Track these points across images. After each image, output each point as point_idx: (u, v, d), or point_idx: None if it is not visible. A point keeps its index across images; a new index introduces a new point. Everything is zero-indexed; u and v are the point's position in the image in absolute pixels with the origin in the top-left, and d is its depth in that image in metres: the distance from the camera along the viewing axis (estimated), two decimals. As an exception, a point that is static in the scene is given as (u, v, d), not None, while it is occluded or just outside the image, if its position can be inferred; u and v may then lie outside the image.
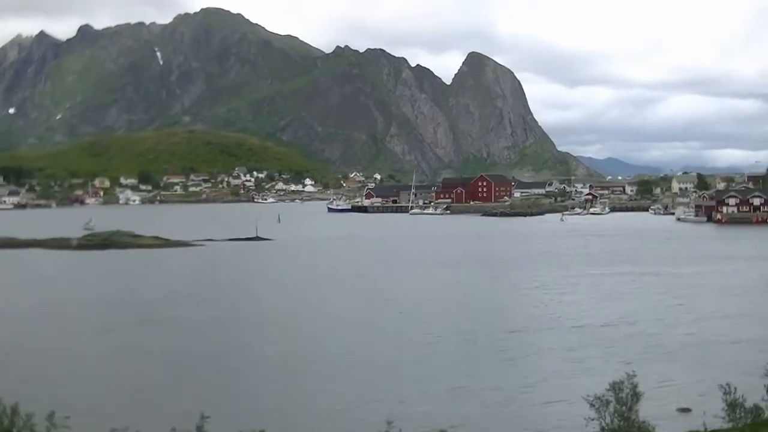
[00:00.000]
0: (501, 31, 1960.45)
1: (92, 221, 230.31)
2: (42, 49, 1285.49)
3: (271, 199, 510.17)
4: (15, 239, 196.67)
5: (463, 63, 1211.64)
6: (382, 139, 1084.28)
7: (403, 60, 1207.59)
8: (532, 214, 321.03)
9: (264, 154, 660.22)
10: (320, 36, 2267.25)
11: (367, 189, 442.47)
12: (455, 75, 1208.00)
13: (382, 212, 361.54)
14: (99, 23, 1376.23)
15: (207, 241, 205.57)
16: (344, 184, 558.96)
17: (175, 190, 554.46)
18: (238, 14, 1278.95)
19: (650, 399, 30.61)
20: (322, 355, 74.75)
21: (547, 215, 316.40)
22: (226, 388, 61.57)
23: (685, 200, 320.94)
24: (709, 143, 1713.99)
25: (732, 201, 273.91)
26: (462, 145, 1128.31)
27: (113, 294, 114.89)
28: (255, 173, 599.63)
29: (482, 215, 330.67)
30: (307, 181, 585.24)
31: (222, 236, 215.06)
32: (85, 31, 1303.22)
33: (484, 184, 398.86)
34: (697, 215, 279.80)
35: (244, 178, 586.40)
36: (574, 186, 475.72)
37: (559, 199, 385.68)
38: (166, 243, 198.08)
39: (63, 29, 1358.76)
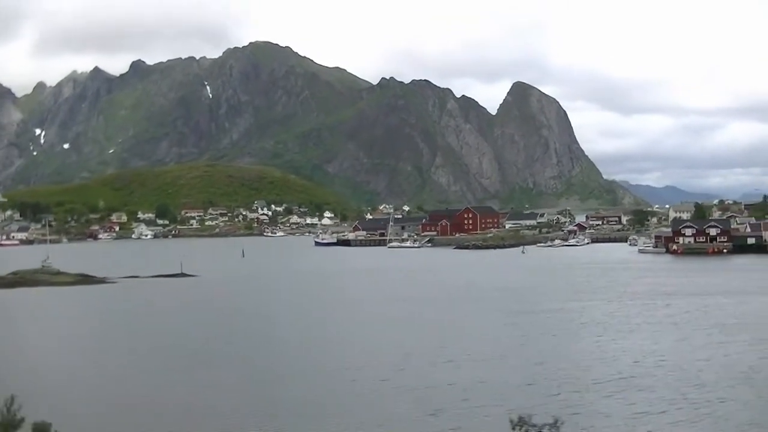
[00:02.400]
0: (553, 61, 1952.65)
1: (49, 258, 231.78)
2: (96, 85, 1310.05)
3: (280, 233, 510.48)
4: None
5: (508, 93, 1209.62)
6: (427, 170, 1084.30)
7: (448, 90, 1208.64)
8: (504, 247, 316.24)
9: (285, 186, 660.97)
10: (369, 67, 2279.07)
11: (356, 223, 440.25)
12: (500, 105, 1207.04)
13: (365, 245, 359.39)
14: (152, 58, 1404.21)
15: (130, 278, 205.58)
16: (370, 216, 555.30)
17: (191, 224, 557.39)
18: (287, 47, 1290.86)
19: None
20: None
21: (523, 247, 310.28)
22: None
23: (666, 230, 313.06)
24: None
25: (688, 231, 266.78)
26: (507, 175, 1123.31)
27: None
28: (273, 206, 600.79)
29: (455, 248, 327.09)
30: (327, 214, 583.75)
31: (153, 272, 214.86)
32: (137, 66, 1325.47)
33: (470, 216, 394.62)
34: (656, 246, 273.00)
35: (261, 212, 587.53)
36: (569, 216, 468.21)
37: (544, 230, 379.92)
38: (83, 280, 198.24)
39: (117, 65, 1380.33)
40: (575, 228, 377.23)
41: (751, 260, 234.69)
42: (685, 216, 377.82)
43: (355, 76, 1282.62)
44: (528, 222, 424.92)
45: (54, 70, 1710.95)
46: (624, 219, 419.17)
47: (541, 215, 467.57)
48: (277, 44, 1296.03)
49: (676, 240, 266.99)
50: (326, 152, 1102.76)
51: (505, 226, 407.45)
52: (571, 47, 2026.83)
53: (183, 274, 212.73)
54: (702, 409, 65.88)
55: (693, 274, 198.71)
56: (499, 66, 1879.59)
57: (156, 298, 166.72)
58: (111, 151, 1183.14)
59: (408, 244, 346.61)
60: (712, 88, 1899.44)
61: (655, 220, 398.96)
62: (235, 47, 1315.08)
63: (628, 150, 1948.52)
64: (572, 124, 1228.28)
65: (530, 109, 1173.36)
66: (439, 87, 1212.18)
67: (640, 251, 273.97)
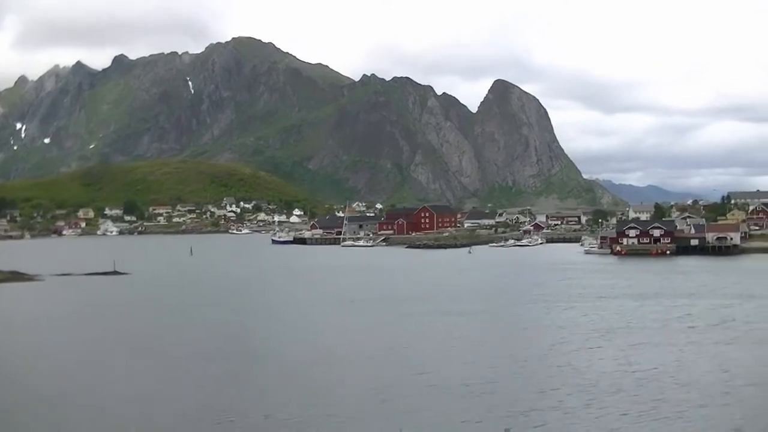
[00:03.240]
0: (536, 59, 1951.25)
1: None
2: (78, 79, 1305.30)
3: (245, 230, 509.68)
4: None
5: (489, 91, 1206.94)
6: (407, 168, 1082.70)
7: (429, 88, 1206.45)
8: (455, 246, 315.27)
9: (255, 183, 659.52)
10: (353, 63, 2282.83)
11: (313, 221, 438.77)
12: (481, 103, 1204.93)
13: (321, 244, 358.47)
14: (134, 53, 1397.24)
15: (62, 275, 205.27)
16: (341, 213, 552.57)
17: (159, 221, 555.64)
18: (270, 43, 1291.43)
19: None
20: None
21: (470, 247, 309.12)
22: None
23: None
24: (752, 169, 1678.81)
25: (632, 233, 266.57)
26: (487, 174, 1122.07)
27: None
28: (242, 203, 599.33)
29: (406, 247, 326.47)
30: (296, 212, 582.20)
31: (87, 270, 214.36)
32: (120, 60, 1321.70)
33: (427, 215, 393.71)
34: (601, 247, 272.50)
35: (229, 209, 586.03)
36: (529, 216, 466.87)
37: (500, 230, 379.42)
38: (12, 278, 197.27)
39: (100, 59, 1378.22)
40: (531, 228, 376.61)
41: (689, 262, 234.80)
42: (644, 216, 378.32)
43: (338, 72, 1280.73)
44: (487, 221, 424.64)
45: (36, 64, 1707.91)
46: (583, 219, 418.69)
47: (500, 215, 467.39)
48: (260, 40, 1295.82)
49: (620, 241, 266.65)
50: (307, 149, 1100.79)
51: (464, 225, 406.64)
52: (555, 45, 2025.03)
53: (115, 272, 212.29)
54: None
55: (618, 274, 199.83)
56: (482, 64, 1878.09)
57: (75, 296, 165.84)
58: (92, 146, 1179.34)
59: (362, 243, 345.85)
60: (693, 88, 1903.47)
61: (614, 220, 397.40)
62: (217, 42, 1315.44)
63: (611, 149, 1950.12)
64: (555, 123, 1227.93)
65: (511, 108, 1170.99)
66: (420, 84, 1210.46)
67: (586, 252, 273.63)
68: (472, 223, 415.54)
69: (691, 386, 75.62)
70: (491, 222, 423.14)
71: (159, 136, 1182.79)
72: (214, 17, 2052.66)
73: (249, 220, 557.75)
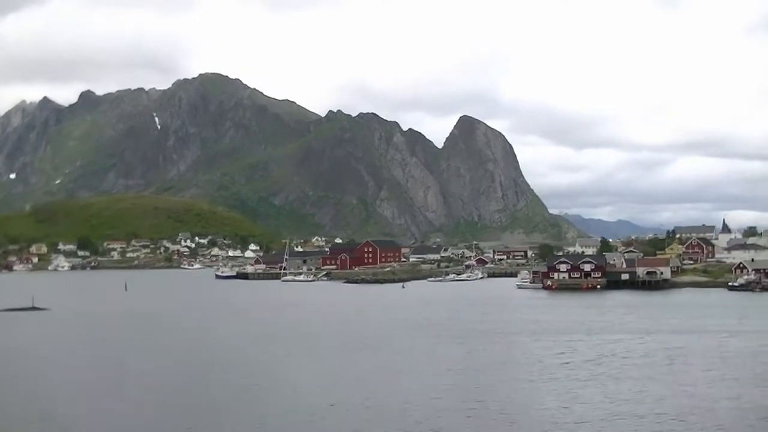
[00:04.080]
0: (505, 95, 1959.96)
1: None
2: (45, 115, 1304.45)
3: (197, 265, 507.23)
4: None
5: (455, 126, 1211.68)
6: (372, 203, 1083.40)
7: (395, 124, 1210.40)
8: (393, 281, 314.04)
9: (212, 219, 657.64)
10: (321, 99, 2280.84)
11: (257, 256, 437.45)
12: (446, 139, 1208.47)
13: (263, 279, 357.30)
14: (101, 89, 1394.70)
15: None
16: (299, 248, 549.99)
17: (112, 256, 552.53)
18: (237, 79, 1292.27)
19: None
20: None
21: (404, 283, 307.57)
22: None
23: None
24: (720, 204, 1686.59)
25: (563, 267, 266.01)
26: (453, 209, 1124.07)
27: None
28: (197, 239, 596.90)
29: (345, 282, 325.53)
30: (252, 246, 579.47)
31: (7, 306, 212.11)
32: (86, 96, 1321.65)
33: (370, 250, 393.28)
34: (533, 281, 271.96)
35: (184, 244, 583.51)
36: (476, 250, 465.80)
37: (443, 264, 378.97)
38: None
39: (66, 95, 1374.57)
40: (474, 263, 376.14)
41: (616, 296, 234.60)
42: (589, 251, 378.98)
43: (305, 108, 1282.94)
44: (432, 256, 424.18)
45: (2, 99, 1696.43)
46: (530, 254, 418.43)
47: (445, 249, 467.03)
48: (226, 76, 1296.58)
49: (550, 275, 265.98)
50: (273, 185, 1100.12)
51: (409, 260, 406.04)
52: (523, 82, 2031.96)
53: (33, 308, 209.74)
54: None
55: (537, 309, 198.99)
56: (450, 100, 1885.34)
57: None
58: (58, 182, 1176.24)
59: (302, 278, 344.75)
60: (659, 124, 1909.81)
61: (560, 254, 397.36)
62: (184, 78, 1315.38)
63: (581, 184, 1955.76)
64: (525, 159, 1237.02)
65: (476, 143, 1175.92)
66: (386, 120, 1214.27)
67: (518, 287, 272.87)
68: (418, 258, 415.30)
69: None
70: (436, 257, 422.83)
71: (125, 171, 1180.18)
72: (181, 53, 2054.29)
73: (203, 256, 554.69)
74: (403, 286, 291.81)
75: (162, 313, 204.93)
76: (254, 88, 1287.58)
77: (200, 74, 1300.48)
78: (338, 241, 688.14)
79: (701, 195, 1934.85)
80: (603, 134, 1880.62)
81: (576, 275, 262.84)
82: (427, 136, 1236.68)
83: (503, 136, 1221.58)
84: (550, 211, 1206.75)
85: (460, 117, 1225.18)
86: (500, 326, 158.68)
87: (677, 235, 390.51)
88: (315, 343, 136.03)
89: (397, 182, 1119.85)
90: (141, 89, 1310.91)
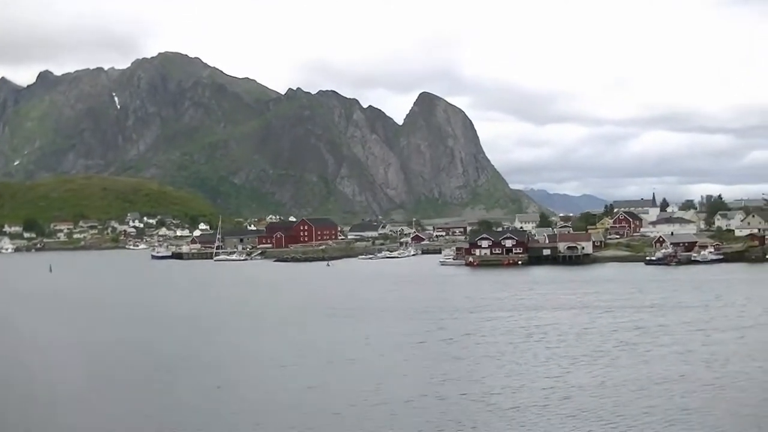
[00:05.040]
0: (466, 71, 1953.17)
1: None
2: (2, 96, 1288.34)
3: (142, 246, 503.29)
4: None
5: (414, 103, 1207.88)
6: (332, 181, 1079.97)
7: (355, 101, 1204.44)
8: (323, 259, 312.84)
9: (161, 199, 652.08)
10: (282, 78, 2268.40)
11: (193, 236, 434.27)
12: (407, 115, 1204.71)
13: (196, 259, 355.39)
14: (60, 69, 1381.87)
15: None
16: (253, 227, 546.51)
17: (59, 238, 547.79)
18: (196, 58, 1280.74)
19: None
20: None
21: (329, 261, 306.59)
22: None
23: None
24: (684, 178, 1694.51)
25: (485, 243, 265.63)
26: (414, 186, 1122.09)
27: None
28: (146, 219, 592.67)
29: (275, 261, 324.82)
30: (201, 226, 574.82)
31: None
32: (45, 77, 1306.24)
33: (306, 228, 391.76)
34: (456, 258, 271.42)
35: (132, 225, 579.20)
36: (416, 227, 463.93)
37: (378, 242, 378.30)
38: None
39: (24, 75, 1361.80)
40: (409, 240, 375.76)
41: (536, 272, 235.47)
42: (528, 226, 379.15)
43: (265, 86, 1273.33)
44: (370, 233, 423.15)
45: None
46: (469, 230, 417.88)
47: (383, 227, 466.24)
48: (186, 55, 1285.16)
49: (472, 252, 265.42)
50: (233, 163, 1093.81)
51: (347, 237, 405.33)
52: (485, 58, 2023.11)
53: None
54: None
55: (448, 285, 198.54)
56: (412, 77, 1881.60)
57: None
58: (17, 163, 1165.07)
59: (234, 257, 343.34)
60: (621, 99, 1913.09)
61: (499, 230, 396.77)
62: (143, 58, 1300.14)
63: (545, 159, 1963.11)
64: (489, 135, 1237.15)
65: (436, 120, 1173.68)
66: (345, 98, 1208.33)
67: (441, 263, 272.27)
68: (356, 236, 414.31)
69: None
70: (374, 234, 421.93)
71: (85, 152, 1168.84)
72: (140, 32, 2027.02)
73: (150, 236, 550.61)
74: (328, 264, 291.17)
75: (64, 292, 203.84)
76: (214, 67, 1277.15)
77: (159, 53, 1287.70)
78: (292, 218, 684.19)
79: (666, 169, 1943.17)
80: (565, 109, 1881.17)
81: (497, 251, 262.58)
82: (387, 114, 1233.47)
83: (463, 112, 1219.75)
84: (516, 186, 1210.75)
85: (420, 93, 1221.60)
86: (391, 304, 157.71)
87: (614, 210, 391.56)
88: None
89: (357, 159, 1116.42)
90: (100, 69, 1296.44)
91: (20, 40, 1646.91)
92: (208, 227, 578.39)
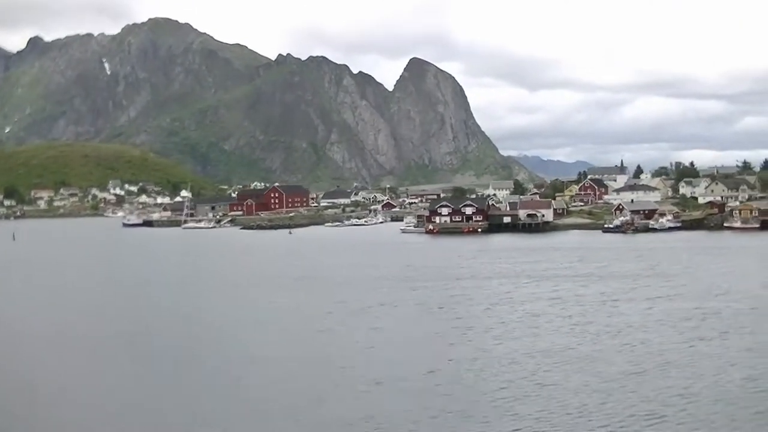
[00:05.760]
0: (459, 37, 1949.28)
1: None
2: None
3: (120, 213, 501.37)
4: None
5: (405, 69, 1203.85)
6: (322, 147, 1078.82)
7: (345, 67, 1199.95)
8: (289, 227, 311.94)
9: (143, 166, 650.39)
10: (273, 44, 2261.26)
11: (165, 204, 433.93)
12: (397, 81, 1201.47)
13: (166, 226, 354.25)
14: (51, 34, 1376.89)
15: None
16: (234, 195, 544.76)
17: (39, 205, 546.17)
18: (186, 24, 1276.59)
19: None
20: None
21: (290, 229, 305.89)
22: None
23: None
24: (677, 144, 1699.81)
25: (445, 211, 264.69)
26: (404, 152, 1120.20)
27: None
28: (126, 186, 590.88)
29: (241, 228, 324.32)
30: (183, 193, 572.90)
31: None
32: (35, 42, 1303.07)
33: (276, 195, 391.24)
34: (417, 225, 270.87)
35: (112, 192, 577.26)
36: (389, 194, 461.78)
37: (348, 209, 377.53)
38: None
39: (14, 41, 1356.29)
40: (379, 207, 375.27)
41: (494, 239, 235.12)
42: (502, 193, 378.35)
43: (256, 52, 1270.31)
44: (343, 200, 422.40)
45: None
46: (443, 196, 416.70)
47: (356, 194, 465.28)
48: (176, 20, 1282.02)
49: (432, 219, 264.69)
50: (223, 129, 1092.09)
51: (320, 204, 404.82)
52: (477, 24, 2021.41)
53: None
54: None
55: (405, 253, 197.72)
56: (405, 43, 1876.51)
57: None
58: (7, 130, 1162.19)
59: (203, 224, 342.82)
60: (613, 65, 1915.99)
61: (473, 197, 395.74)
62: (134, 23, 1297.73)
63: (539, 125, 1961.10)
64: (482, 101, 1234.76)
65: (426, 86, 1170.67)
66: (335, 63, 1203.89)
67: (402, 231, 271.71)
68: (329, 203, 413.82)
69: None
70: (346, 201, 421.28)
71: (75, 119, 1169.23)
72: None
73: (130, 203, 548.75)
74: (290, 232, 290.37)
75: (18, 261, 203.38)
76: (204, 33, 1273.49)
77: (150, 19, 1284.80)
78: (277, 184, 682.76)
79: (659, 135, 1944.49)
80: (558, 75, 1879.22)
81: (458, 219, 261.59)
82: (378, 79, 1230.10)
83: (453, 78, 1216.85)
84: (510, 152, 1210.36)
85: (411, 59, 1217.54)
86: (323, 273, 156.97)
87: (587, 176, 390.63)
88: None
89: (347, 125, 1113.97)
90: (90, 35, 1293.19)
91: (11, 5, 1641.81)
92: (189, 194, 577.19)
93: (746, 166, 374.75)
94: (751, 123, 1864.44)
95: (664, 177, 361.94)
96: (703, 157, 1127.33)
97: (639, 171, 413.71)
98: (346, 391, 67.53)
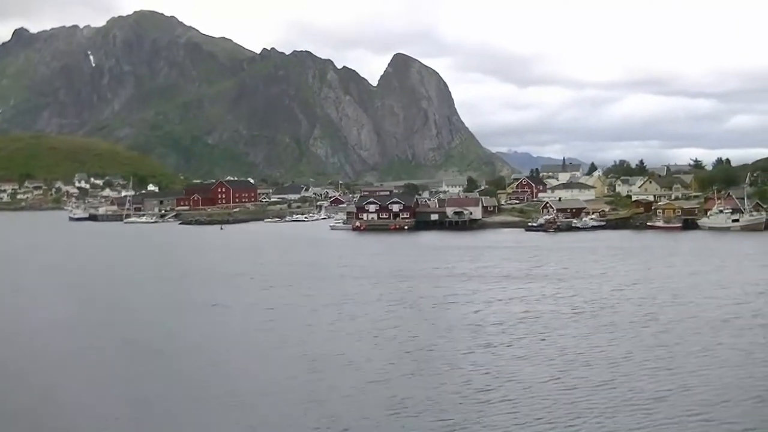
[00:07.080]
0: (447, 33, 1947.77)
1: None
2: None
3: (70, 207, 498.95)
4: None
5: (389, 64, 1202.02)
6: (305, 142, 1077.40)
7: (329, 62, 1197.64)
8: (228, 222, 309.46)
9: (111, 159, 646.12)
10: (259, 38, 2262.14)
11: (111, 198, 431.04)
12: (381, 77, 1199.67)
13: (110, 221, 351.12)
14: (37, 26, 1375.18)
15: None
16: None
17: (1, 198, 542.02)
18: (172, 17, 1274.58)
19: None
20: None
21: (222, 225, 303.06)
22: None
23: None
24: (668, 142, 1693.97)
25: (372, 207, 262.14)
26: (387, 147, 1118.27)
27: None
28: (92, 179, 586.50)
29: (180, 223, 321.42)
30: (150, 187, 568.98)
31: None
32: (20, 34, 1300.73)
33: (223, 190, 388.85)
34: (346, 222, 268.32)
35: (77, 185, 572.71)
36: (341, 191, 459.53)
37: (294, 205, 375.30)
38: None
39: (0, 32, 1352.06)
40: (325, 203, 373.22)
41: (420, 237, 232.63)
42: (455, 189, 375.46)
43: (240, 46, 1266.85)
44: (293, 196, 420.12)
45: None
46: (394, 192, 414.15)
47: (306, 189, 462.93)
48: (162, 13, 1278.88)
49: (359, 216, 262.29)
50: (206, 123, 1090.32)
51: (270, 200, 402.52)
52: (466, 19, 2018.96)
53: None
54: None
55: (314, 250, 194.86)
56: (393, 38, 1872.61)
57: None
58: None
59: (144, 219, 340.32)
60: (603, 62, 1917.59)
61: (426, 194, 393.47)
62: (119, 16, 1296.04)
63: (529, 122, 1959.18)
64: (471, 97, 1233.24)
65: (410, 81, 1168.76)
66: (319, 58, 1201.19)
67: (331, 228, 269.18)
68: (279, 198, 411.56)
69: None
70: (296, 197, 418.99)
71: (59, 111, 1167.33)
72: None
73: (94, 197, 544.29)
74: (222, 228, 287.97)
75: None
76: (190, 26, 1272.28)
77: (135, 11, 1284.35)
78: (251, 180, 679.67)
79: (649, 133, 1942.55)
80: (547, 72, 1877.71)
81: (385, 216, 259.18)
82: (362, 75, 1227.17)
83: (438, 74, 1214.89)
84: (500, 149, 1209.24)
85: (395, 55, 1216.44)
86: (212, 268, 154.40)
87: (541, 174, 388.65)
88: None
89: (330, 121, 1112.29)
90: (75, 26, 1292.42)
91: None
92: (156, 188, 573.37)
93: (698, 165, 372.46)
94: (740, 121, 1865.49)
95: (612, 176, 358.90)
96: (692, 156, 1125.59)
97: (593, 168, 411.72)
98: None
